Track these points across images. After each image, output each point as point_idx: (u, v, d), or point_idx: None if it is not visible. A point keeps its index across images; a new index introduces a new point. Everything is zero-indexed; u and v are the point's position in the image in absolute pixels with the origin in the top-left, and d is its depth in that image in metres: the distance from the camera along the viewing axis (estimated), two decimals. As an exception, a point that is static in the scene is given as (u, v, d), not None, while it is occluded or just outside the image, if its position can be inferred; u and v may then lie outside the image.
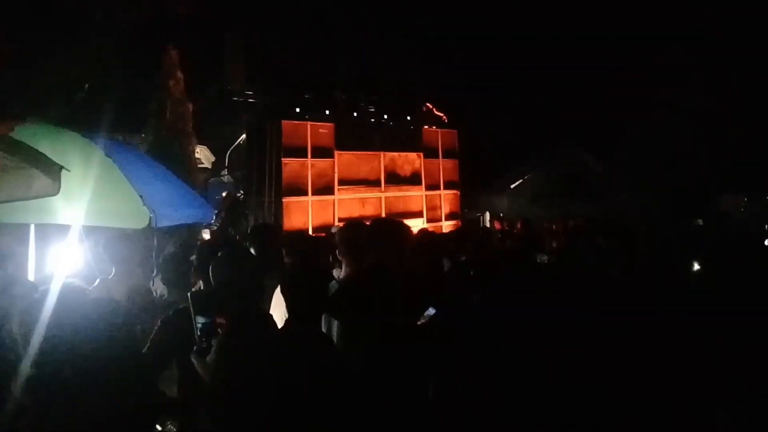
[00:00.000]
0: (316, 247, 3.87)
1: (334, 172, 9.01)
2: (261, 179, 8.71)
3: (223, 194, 11.98)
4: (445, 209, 10.76)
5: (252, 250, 3.68)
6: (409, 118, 10.29)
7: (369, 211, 9.49)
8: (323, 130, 8.91)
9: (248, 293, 2.52)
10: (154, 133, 9.55)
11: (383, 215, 9.56)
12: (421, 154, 10.27)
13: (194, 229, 9.65)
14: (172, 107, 9.88)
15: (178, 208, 5.50)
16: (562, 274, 3.40)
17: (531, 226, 9.38)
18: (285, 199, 8.37)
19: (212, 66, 11.72)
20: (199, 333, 2.35)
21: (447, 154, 10.81)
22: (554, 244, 7.37)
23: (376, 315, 2.40)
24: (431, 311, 2.71)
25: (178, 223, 6.43)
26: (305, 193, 8.65)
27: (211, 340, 2.33)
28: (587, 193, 15.84)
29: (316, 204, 8.77)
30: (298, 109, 8.82)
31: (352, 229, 3.13)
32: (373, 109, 9.84)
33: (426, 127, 10.51)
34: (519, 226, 10.43)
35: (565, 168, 16.89)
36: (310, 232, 8.44)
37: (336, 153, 9.04)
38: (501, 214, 11.93)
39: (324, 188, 8.91)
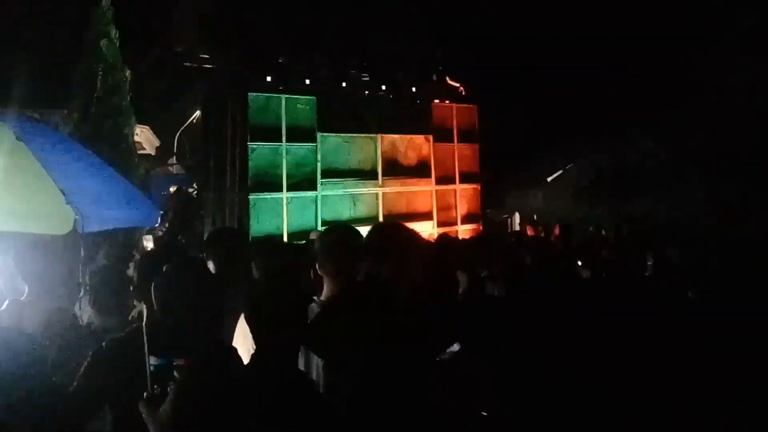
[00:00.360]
0: (292, 258, 3.85)
1: (316, 160, 9.02)
2: (221, 170, 8.71)
3: (171, 189, 12.02)
4: (462, 209, 10.79)
5: (209, 264, 3.69)
6: (414, 89, 10.30)
7: (362, 211, 9.51)
8: (302, 106, 8.92)
9: (203, 321, 2.52)
10: (81, 109, 9.55)
11: (380, 217, 9.60)
12: (431, 137, 10.29)
13: (133, 235, 9.69)
14: (103, 76, 9.86)
15: (111, 207, 5.49)
16: (610, 297, 3.44)
17: (572, 232, 9.42)
18: (253, 196, 8.37)
19: (157, 22, 11.77)
20: (151, 377, 2.35)
21: (464, 137, 10.83)
22: (604, 255, 7.39)
23: (371, 349, 2.40)
24: (455, 347, 2.72)
25: (112, 227, 6.45)
26: (279, 188, 8.64)
27: (167, 385, 2.33)
28: (647, 188, 15.88)
29: (293, 202, 8.77)
30: (269, 78, 8.82)
31: (337, 235, 3.13)
32: (366, 78, 9.85)
33: (437, 101, 10.53)
34: (557, 232, 10.49)
35: (617, 156, 16.90)
36: (285, 239, 8.45)
37: (319, 135, 9.04)
38: (535, 216, 11.94)
39: (303, 181, 8.91)
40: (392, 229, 3.09)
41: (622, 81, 15.79)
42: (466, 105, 10.92)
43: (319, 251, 3.02)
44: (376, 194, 9.66)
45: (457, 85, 10.77)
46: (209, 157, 9.16)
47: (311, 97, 9.01)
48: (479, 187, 11.12)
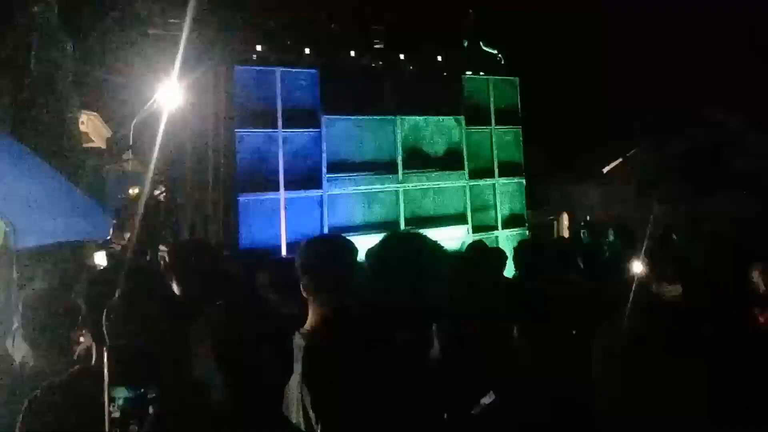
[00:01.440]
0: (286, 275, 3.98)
1: (321, 150, 9.14)
2: (201, 164, 8.83)
3: (131, 192, 12.18)
4: (503, 209, 10.90)
5: (173, 285, 3.80)
6: (440, 58, 10.42)
7: (379, 214, 9.60)
8: (302, 81, 9.03)
9: (168, 352, 2.58)
10: (10, 92, 9.72)
11: (402, 221, 9.73)
12: (462, 119, 10.40)
13: (79, 250, 9.83)
14: (40, 49, 10.03)
15: (52, 216, 5.59)
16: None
17: (629, 237, 9.60)
18: (242, 197, 8.48)
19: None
20: (119, 413, 2.40)
21: (503, 118, 10.94)
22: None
23: (376, 397, 2.47)
24: (490, 398, 2.84)
25: (52, 240, 6.55)
26: (274, 187, 8.75)
27: (142, 422, 2.40)
28: (733, 179, 16.01)
29: (293, 204, 8.89)
30: (259, 47, 8.94)
31: (327, 245, 3.24)
32: (380, 44, 9.98)
33: (469, 73, 10.63)
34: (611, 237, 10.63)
35: (693, 140, 17.00)
36: (284, 252, 8.58)
37: (323, 118, 9.16)
38: (588, 218, 12.04)
39: (305, 177, 9.01)
40: (406, 240, 3.18)
41: (699, 44, 16.00)
42: (504, 77, 11.05)
43: (304, 266, 3.12)
44: (396, 192, 9.76)
45: (494, 52, 10.91)
46: (183, 150, 9.30)
47: (312, 70, 9.11)
48: (523, 181, 11.26)
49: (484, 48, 10.91)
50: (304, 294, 3.09)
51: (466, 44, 10.82)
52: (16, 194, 5.18)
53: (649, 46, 16.13)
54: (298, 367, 2.78)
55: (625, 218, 15.63)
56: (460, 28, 10.82)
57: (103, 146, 15.65)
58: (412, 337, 2.80)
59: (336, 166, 9.27)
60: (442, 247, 3.10)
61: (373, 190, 9.59)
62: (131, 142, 15.54)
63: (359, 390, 2.50)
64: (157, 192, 10.84)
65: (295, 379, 2.80)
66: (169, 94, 12.82)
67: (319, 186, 9.12)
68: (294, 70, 9.01)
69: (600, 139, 18.15)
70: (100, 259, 9.48)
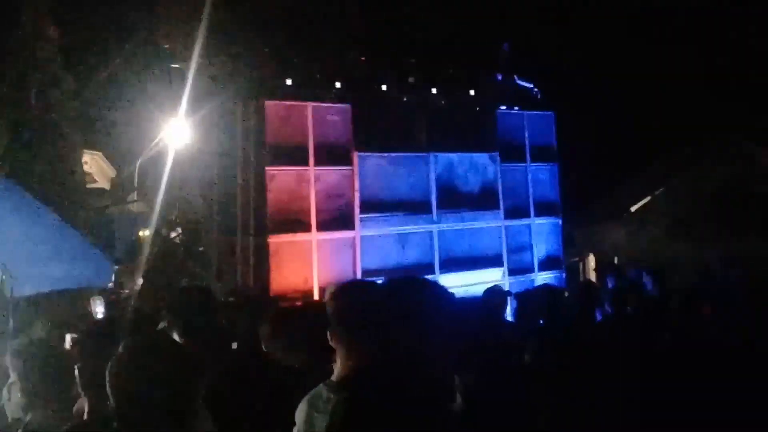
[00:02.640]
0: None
1: (353, 189, 9.03)
2: (229, 205, 8.72)
3: (140, 234, 12.03)
4: (540, 251, 10.78)
5: (175, 335, 3.74)
6: (473, 92, 10.38)
7: (413, 256, 9.47)
8: (333, 117, 8.96)
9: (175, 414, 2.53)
10: (10, 132, 9.65)
11: (437, 264, 9.59)
12: (497, 155, 10.33)
13: (79, 298, 9.64)
14: (40, 87, 9.97)
15: (50, 263, 5.47)
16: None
17: (663, 280, 9.34)
18: (273, 239, 8.36)
19: (119, 9, 11.92)
20: None
21: (539, 155, 10.88)
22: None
23: None
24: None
25: (50, 288, 6.40)
26: (306, 228, 8.63)
27: None
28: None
29: (324, 246, 8.76)
30: (289, 81, 8.88)
31: (358, 293, 3.15)
32: (412, 79, 9.94)
33: (503, 108, 10.58)
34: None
35: (725, 174, 16.93)
36: (316, 295, 8.43)
37: (355, 155, 9.08)
38: (615, 259, 11.80)
39: (337, 218, 8.90)
40: (412, 286, 3.12)
41: (730, 75, 16.02)
42: (540, 112, 11.00)
43: (334, 316, 3.01)
44: (431, 233, 9.64)
45: (530, 85, 10.87)
46: (206, 189, 9.20)
47: (345, 105, 9.06)
48: (560, 221, 11.14)
49: (519, 82, 10.87)
50: (333, 344, 2.97)
51: (500, 78, 10.78)
52: (14, 240, 5.08)
53: (678, 78, 16.14)
54: (320, 421, 2.73)
55: (655, 260, 15.52)
56: (494, 61, 10.79)
57: (107, 187, 15.53)
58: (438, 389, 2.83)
59: (368, 206, 9.14)
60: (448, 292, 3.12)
61: (408, 231, 9.45)
62: (136, 183, 15.41)
63: None
64: (173, 234, 10.69)
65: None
66: (179, 131, 12.80)
67: (351, 227, 8.98)
68: (325, 105, 8.94)
69: (626, 176, 18.09)
70: (99, 307, 9.30)
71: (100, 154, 15.13)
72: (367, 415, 2.57)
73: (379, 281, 3.49)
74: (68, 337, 8.75)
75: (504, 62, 10.82)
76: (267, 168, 8.40)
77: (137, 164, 15.45)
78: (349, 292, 3.15)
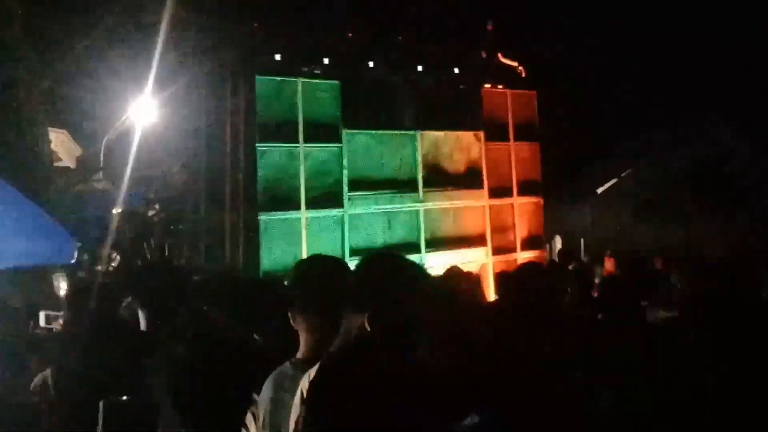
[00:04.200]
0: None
1: (342, 166, 9.04)
2: (218, 181, 8.67)
3: (115, 211, 11.86)
4: (522, 230, 10.90)
5: (140, 314, 3.75)
6: (457, 70, 10.42)
7: (399, 234, 9.51)
8: (323, 93, 8.94)
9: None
10: None
11: (422, 242, 9.66)
12: (482, 134, 10.43)
13: (45, 276, 9.53)
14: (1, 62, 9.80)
15: (13, 240, 5.44)
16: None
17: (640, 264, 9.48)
18: (263, 216, 8.32)
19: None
20: None
21: (522, 134, 10.98)
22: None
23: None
24: (473, 419, 2.84)
25: (11, 265, 6.34)
26: (296, 205, 8.62)
27: None
28: (733, 197, 16.30)
29: (313, 224, 8.75)
30: (278, 56, 8.83)
31: (322, 265, 3.20)
32: (398, 57, 9.94)
33: (488, 86, 10.66)
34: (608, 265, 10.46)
35: (692, 157, 17.26)
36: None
37: (344, 133, 9.08)
38: (609, 252, 11.88)
39: (326, 195, 8.90)
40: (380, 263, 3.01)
41: (694, 59, 16.34)
42: (523, 91, 11.11)
43: (297, 291, 3.08)
44: (417, 212, 9.69)
45: (515, 64, 10.96)
46: (196, 166, 9.14)
47: (334, 82, 9.04)
48: (541, 201, 11.28)
49: (503, 60, 10.95)
50: (295, 324, 3.01)
51: (484, 56, 10.84)
52: None
53: (653, 58, 16.41)
54: (288, 399, 2.74)
55: (620, 241, 15.81)
56: (478, 39, 10.84)
57: (73, 165, 15.24)
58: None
59: (357, 184, 9.16)
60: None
61: (394, 209, 9.49)
62: (102, 161, 15.18)
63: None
64: (151, 213, 10.57)
65: (285, 412, 2.76)
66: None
67: (340, 204, 8.99)
68: (315, 81, 8.92)
69: (594, 158, 18.36)
70: (62, 283, 9.24)
71: (65, 131, 14.84)
72: (335, 391, 2.51)
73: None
74: (42, 314, 8.70)
75: (488, 40, 10.87)
76: (257, 144, 8.37)
77: (103, 142, 15.23)
78: (311, 269, 3.21)
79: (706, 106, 17.28)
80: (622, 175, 18.58)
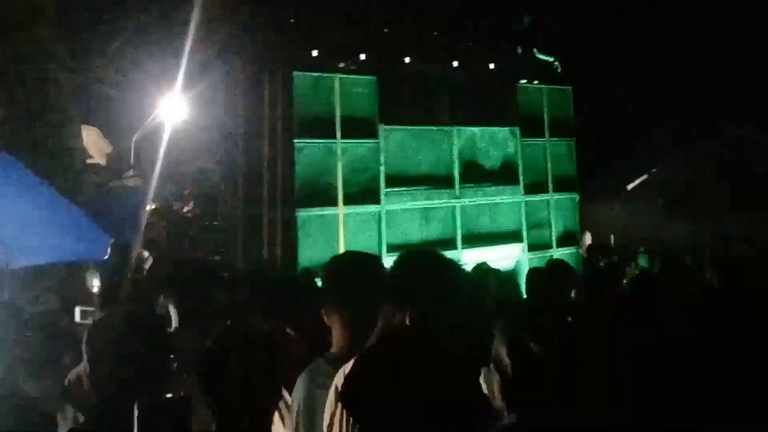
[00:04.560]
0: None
1: (379, 162, 9.00)
2: (255, 177, 8.66)
3: (149, 207, 11.87)
4: (558, 226, 10.83)
5: (171, 309, 3.83)
6: (492, 66, 10.37)
7: (436, 231, 9.47)
8: (360, 89, 8.91)
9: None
10: (5, 106, 9.55)
11: (459, 239, 9.61)
12: (517, 130, 10.36)
13: (80, 272, 9.56)
14: (30, 57, 9.81)
15: (46, 236, 5.42)
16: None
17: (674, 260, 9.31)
18: (301, 212, 8.30)
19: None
20: None
21: (557, 130, 10.92)
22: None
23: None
24: (510, 418, 2.79)
25: (45, 261, 6.33)
26: (333, 202, 8.59)
27: None
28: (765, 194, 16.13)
29: (350, 220, 8.72)
30: (315, 52, 8.81)
31: (355, 265, 3.16)
32: (434, 52, 9.90)
33: (523, 81, 10.61)
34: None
35: (723, 153, 17.08)
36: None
37: (381, 129, 9.04)
38: (642, 249, 11.70)
39: (363, 191, 8.86)
40: (422, 260, 3.01)
41: (731, 51, 16.14)
42: (558, 87, 11.02)
43: (329, 283, 3.06)
44: (453, 208, 9.64)
45: (551, 59, 10.87)
46: (233, 162, 9.13)
47: (371, 77, 9.00)
48: (577, 197, 11.20)
49: (539, 55, 10.87)
50: (327, 317, 3.00)
51: (520, 51, 10.77)
52: (9, 212, 5.01)
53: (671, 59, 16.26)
54: (322, 395, 2.70)
55: (651, 237, 15.65)
56: (513, 34, 10.78)
57: (103, 162, 15.30)
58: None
59: (393, 180, 9.12)
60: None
61: (431, 205, 9.44)
62: (132, 159, 15.23)
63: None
64: (186, 209, 10.58)
65: (319, 407, 2.72)
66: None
67: (377, 201, 8.95)
68: (352, 77, 8.88)
69: (624, 155, 18.21)
70: (95, 281, 9.25)
71: (95, 129, 14.88)
72: (373, 386, 2.52)
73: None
74: (78, 310, 8.71)
75: (524, 35, 10.80)
76: (295, 140, 8.34)
77: (134, 139, 15.29)
78: (345, 264, 3.18)
79: (738, 103, 17.07)
80: (653, 171, 18.41)
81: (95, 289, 8.76)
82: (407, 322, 2.59)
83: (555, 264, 7.07)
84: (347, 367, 2.62)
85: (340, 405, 2.52)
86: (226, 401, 2.52)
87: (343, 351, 2.87)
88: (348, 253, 3.36)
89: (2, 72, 10.00)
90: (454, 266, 2.89)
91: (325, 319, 2.98)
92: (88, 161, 14.61)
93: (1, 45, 9.66)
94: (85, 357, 2.76)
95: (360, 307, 2.86)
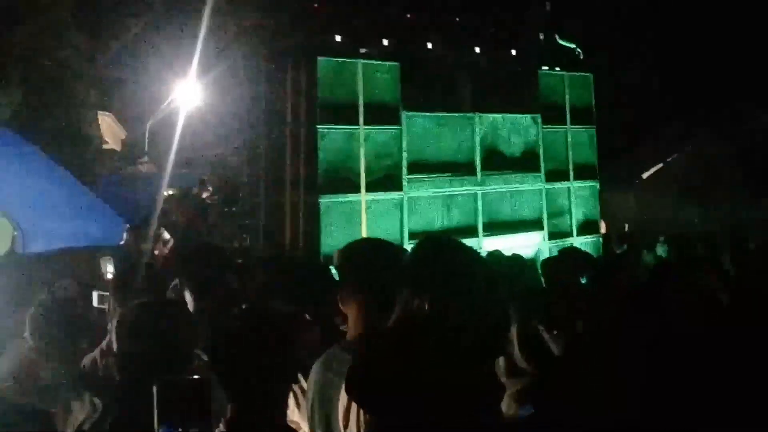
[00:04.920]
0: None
1: (401, 149, 8.96)
2: (278, 163, 8.63)
3: (168, 193, 11.86)
4: (578, 214, 10.79)
5: (186, 294, 3.87)
6: (514, 52, 10.31)
7: (457, 218, 9.42)
8: (382, 74, 8.85)
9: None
10: (21, 91, 9.50)
11: (480, 226, 9.57)
12: (539, 117, 10.30)
13: (95, 257, 9.56)
14: (46, 44, 9.79)
15: (62, 221, 5.41)
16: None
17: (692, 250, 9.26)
18: (324, 199, 8.26)
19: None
20: None
21: (578, 117, 10.85)
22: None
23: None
24: (527, 409, 2.85)
25: (61, 246, 6.32)
26: (356, 188, 8.54)
27: None
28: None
29: (373, 207, 8.68)
30: (338, 37, 8.76)
31: (370, 251, 3.16)
32: (456, 38, 9.85)
33: (545, 68, 10.54)
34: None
35: (738, 142, 17.02)
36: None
37: (404, 115, 8.99)
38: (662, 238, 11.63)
39: (385, 178, 8.81)
40: (439, 247, 3.01)
41: (746, 40, 16.06)
42: (580, 74, 10.96)
43: (343, 272, 3.05)
44: (475, 195, 9.59)
45: (572, 46, 10.81)
46: (258, 148, 9.11)
47: (394, 63, 8.94)
48: (597, 185, 11.15)
49: (561, 41, 10.80)
50: (343, 305, 3.00)
51: (541, 37, 10.71)
52: (25, 196, 5.01)
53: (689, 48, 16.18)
54: (337, 381, 2.66)
55: (667, 225, 15.60)
56: (535, 20, 10.72)
57: (118, 148, 15.30)
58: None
59: (415, 167, 9.06)
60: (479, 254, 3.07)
61: (453, 192, 9.40)
62: (147, 145, 15.25)
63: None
64: (205, 194, 10.55)
65: (334, 394, 2.72)
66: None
67: (399, 188, 8.90)
68: (375, 62, 8.83)
69: (638, 143, 18.14)
70: (109, 267, 9.26)
71: (110, 115, 14.87)
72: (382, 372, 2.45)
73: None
74: (95, 294, 8.72)
75: (546, 22, 10.75)
76: (318, 126, 8.30)
77: (148, 125, 15.29)
78: (361, 250, 3.18)
79: (754, 91, 16.99)
80: (668, 160, 18.35)
81: (109, 275, 8.78)
82: (426, 309, 2.59)
83: (568, 251, 7.05)
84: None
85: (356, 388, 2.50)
86: (239, 384, 2.54)
87: (359, 338, 2.88)
88: (363, 240, 3.37)
89: (19, 58, 9.99)
90: (472, 253, 2.90)
91: (341, 306, 2.97)
92: (104, 147, 14.64)
93: (17, 32, 9.64)
94: (114, 337, 2.86)
95: (375, 293, 2.86)
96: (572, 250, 7.08)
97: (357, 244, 3.26)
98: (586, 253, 7.43)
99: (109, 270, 9.09)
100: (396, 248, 3.19)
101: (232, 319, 2.86)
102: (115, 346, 2.87)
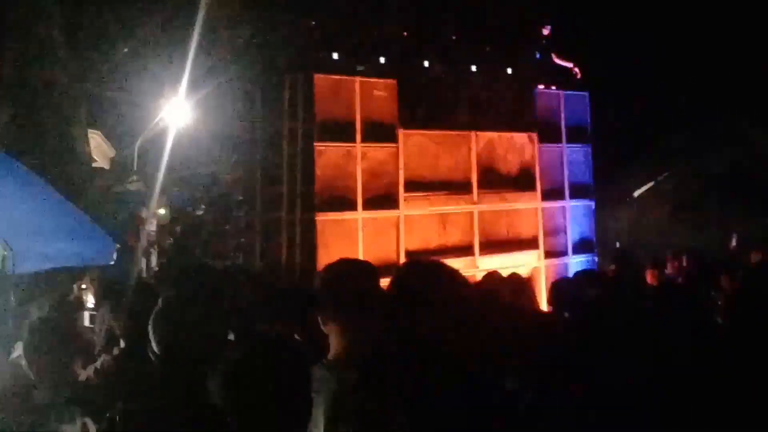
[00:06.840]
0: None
1: (398, 167, 8.90)
2: (274, 180, 8.58)
3: (158, 212, 11.78)
4: (573, 233, 10.75)
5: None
6: (510, 70, 10.29)
7: (454, 237, 9.38)
8: (380, 92, 8.81)
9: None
10: (10, 108, 9.43)
11: (477, 245, 9.52)
12: (535, 135, 10.28)
13: (81, 276, 9.44)
14: (35, 62, 9.73)
15: (52, 240, 5.35)
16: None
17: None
18: (321, 216, 8.21)
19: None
20: None
21: (574, 135, 10.84)
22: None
23: None
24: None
25: (51, 266, 6.25)
26: (352, 206, 8.49)
27: None
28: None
29: (369, 225, 8.63)
30: (336, 55, 8.72)
31: (350, 271, 3.16)
32: (453, 56, 9.82)
33: (541, 87, 10.52)
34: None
35: (729, 159, 17.03)
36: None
37: (401, 133, 8.94)
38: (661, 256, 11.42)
39: (381, 196, 8.77)
40: (428, 269, 3.09)
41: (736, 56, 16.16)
42: (575, 92, 10.94)
43: (325, 293, 3.06)
44: (471, 213, 9.54)
45: (570, 64, 10.80)
46: (255, 165, 9.05)
47: (391, 81, 8.89)
48: (593, 204, 11.11)
49: (558, 60, 10.80)
50: (325, 325, 3.01)
51: (538, 55, 10.71)
52: (15, 216, 4.94)
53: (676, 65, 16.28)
54: (316, 400, 2.63)
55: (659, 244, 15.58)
56: (532, 39, 10.71)
57: (107, 166, 15.20)
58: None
59: (412, 185, 9.01)
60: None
61: (449, 211, 9.34)
62: (135, 164, 15.13)
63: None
64: (198, 212, 10.47)
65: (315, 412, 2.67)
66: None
67: (395, 206, 8.85)
68: (372, 80, 8.79)
69: (632, 159, 18.19)
70: (90, 285, 9.19)
71: (99, 133, 14.77)
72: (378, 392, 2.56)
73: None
74: (86, 314, 8.61)
75: (542, 40, 10.74)
76: (315, 144, 8.24)
77: (137, 143, 15.20)
78: (339, 272, 3.17)
79: (743, 108, 17.08)
80: (659, 178, 18.37)
81: (91, 296, 8.70)
82: (404, 330, 2.71)
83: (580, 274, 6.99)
84: (348, 374, 2.69)
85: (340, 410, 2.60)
86: (254, 416, 2.43)
87: (339, 357, 2.91)
88: (342, 261, 3.34)
89: (8, 76, 9.91)
90: (454, 275, 2.95)
91: (321, 326, 2.99)
92: (95, 166, 14.53)
93: (7, 49, 9.56)
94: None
95: (355, 314, 2.91)
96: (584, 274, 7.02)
97: (335, 267, 3.24)
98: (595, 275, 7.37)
99: (90, 289, 9.01)
100: (373, 269, 3.19)
101: (244, 348, 2.80)
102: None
